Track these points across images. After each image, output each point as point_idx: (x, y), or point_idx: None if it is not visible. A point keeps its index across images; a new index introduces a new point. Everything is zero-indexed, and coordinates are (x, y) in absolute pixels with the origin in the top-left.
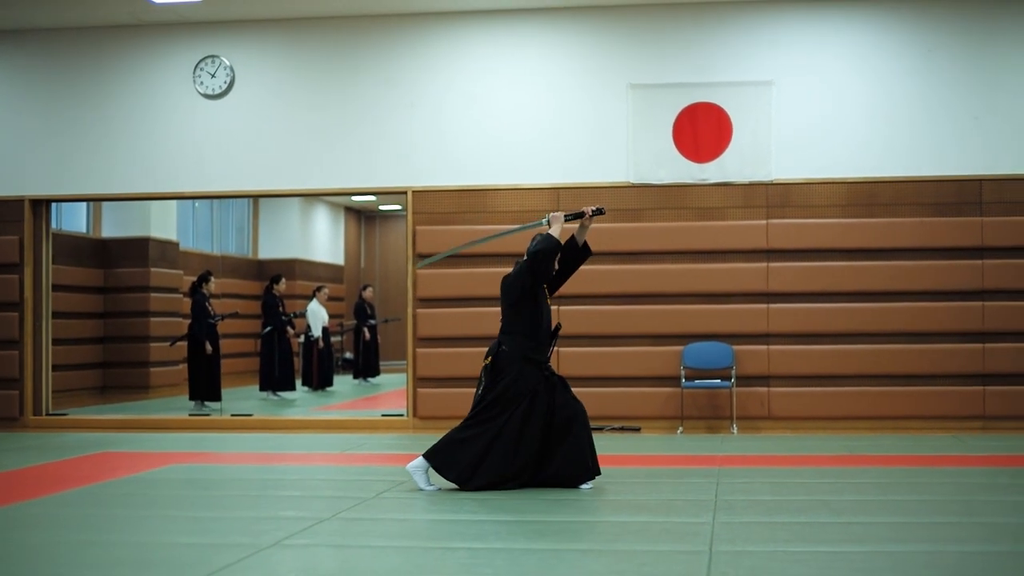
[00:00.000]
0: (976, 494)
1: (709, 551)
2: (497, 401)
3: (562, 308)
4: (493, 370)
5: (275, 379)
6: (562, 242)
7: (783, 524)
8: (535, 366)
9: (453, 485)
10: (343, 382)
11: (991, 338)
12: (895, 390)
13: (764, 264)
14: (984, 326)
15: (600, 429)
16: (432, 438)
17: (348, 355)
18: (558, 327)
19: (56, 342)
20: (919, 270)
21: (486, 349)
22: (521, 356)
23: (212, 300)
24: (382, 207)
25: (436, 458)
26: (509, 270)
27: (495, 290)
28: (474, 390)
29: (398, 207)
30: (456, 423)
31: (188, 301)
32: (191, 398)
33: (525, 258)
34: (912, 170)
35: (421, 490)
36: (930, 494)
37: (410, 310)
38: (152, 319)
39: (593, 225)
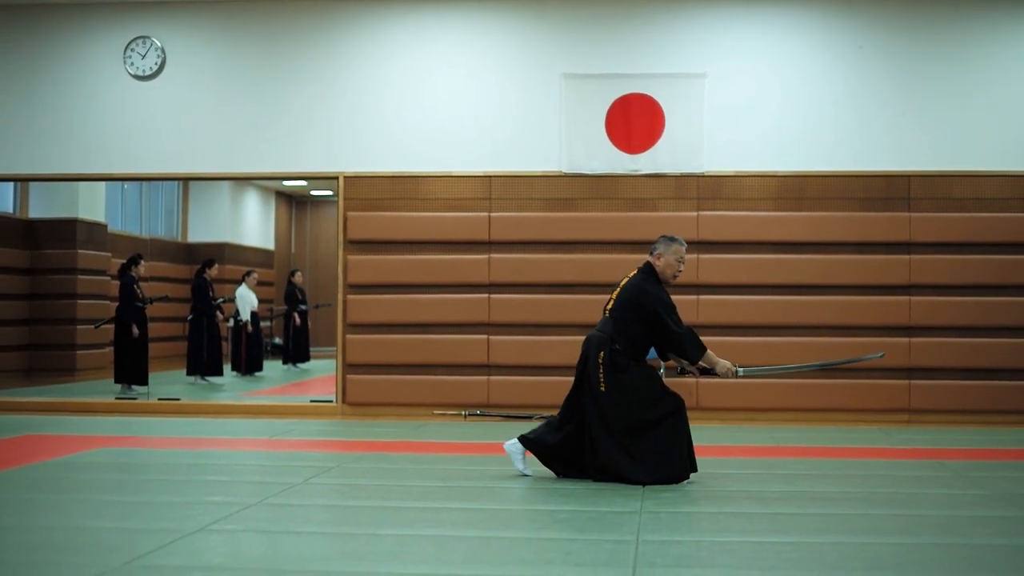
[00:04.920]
0: (900, 486)
1: (636, 540)
2: (659, 393)
3: (493, 297)
4: (612, 366)
5: (203, 363)
6: (695, 361)
7: (710, 514)
8: (642, 362)
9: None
10: (273, 367)
11: (917, 332)
12: (822, 382)
13: (695, 256)
14: (911, 320)
15: (529, 417)
16: (360, 424)
17: (277, 340)
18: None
19: None
20: (847, 264)
21: (417, 337)
22: (635, 356)
23: (140, 283)
24: (313, 192)
25: (684, 469)
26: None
27: (425, 277)
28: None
29: (329, 192)
30: (385, 409)
31: (116, 283)
32: (117, 381)
33: (674, 320)
34: (842, 165)
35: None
36: (856, 486)
37: (340, 296)
38: (79, 301)
39: (526, 213)
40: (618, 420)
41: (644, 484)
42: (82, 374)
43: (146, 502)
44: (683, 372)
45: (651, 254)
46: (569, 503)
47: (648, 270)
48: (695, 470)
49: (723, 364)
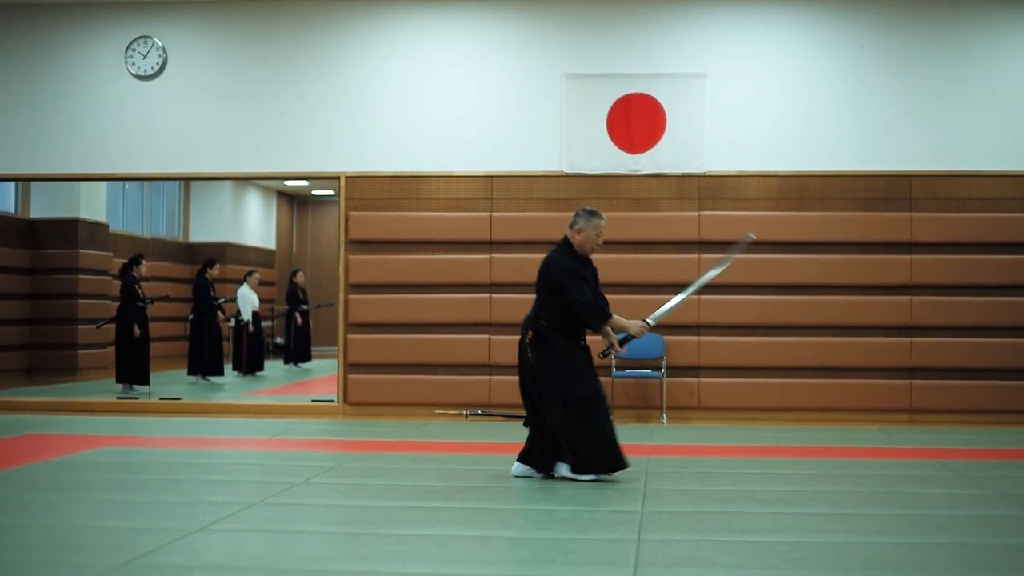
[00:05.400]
0: (901, 486)
1: (637, 539)
2: (576, 380)
3: (494, 296)
4: (537, 345)
5: (204, 363)
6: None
7: (711, 514)
8: (576, 340)
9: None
10: (274, 367)
11: (918, 332)
12: (824, 382)
13: (695, 255)
14: (912, 320)
15: None
16: (362, 424)
17: (279, 340)
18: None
19: None
20: (848, 264)
21: (418, 337)
22: (562, 331)
23: (142, 283)
24: (315, 192)
25: (610, 464)
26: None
27: (427, 277)
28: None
29: (331, 192)
30: (386, 409)
31: (117, 283)
32: (118, 381)
33: (575, 288)
34: (843, 165)
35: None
36: (857, 485)
37: (342, 296)
38: (80, 301)
39: (527, 213)
40: (552, 396)
41: (572, 468)
42: (83, 374)
43: (147, 501)
44: (606, 354)
45: (571, 228)
46: (570, 503)
47: (564, 244)
48: (625, 466)
49: (634, 325)
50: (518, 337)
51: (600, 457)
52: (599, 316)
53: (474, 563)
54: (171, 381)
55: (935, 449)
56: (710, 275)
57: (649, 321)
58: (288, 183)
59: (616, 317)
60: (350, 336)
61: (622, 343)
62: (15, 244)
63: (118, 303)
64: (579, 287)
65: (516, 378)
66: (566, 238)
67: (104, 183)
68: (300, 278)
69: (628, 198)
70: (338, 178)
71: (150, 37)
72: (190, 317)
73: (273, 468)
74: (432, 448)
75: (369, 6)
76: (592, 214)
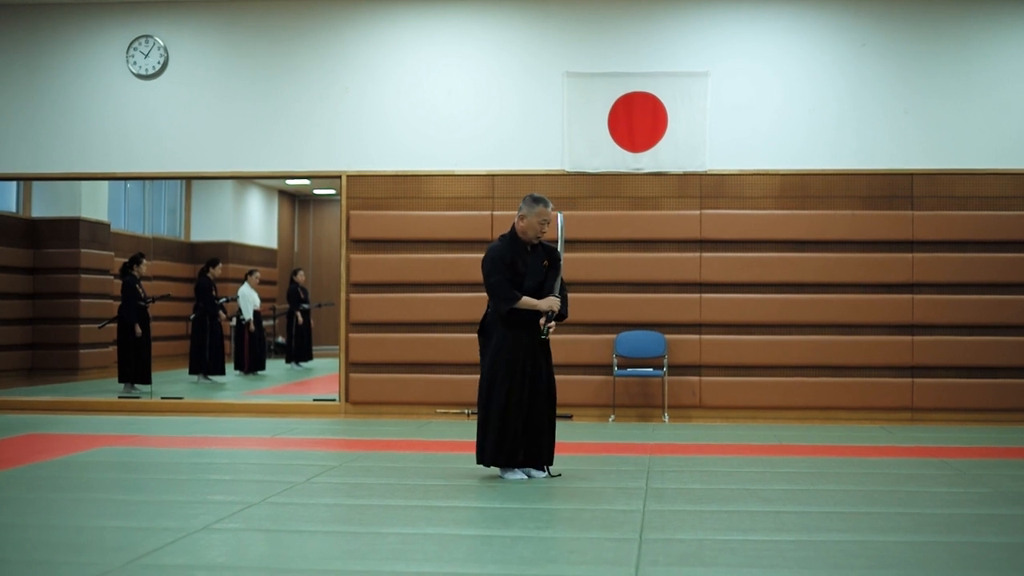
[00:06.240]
0: (903, 484)
1: (639, 539)
2: (493, 377)
3: None
4: (481, 331)
5: (206, 362)
6: (517, 304)
7: (713, 512)
8: (516, 330)
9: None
10: (276, 366)
11: (920, 331)
12: (825, 380)
13: (697, 254)
14: (913, 319)
15: None
16: (363, 423)
17: (280, 339)
18: (554, 315)
19: None
20: (850, 262)
21: (420, 336)
22: (502, 320)
23: (143, 282)
24: (316, 191)
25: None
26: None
27: (428, 276)
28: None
29: (332, 191)
30: (388, 408)
31: (119, 283)
32: (120, 380)
33: (488, 271)
34: (844, 163)
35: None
36: (858, 484)
37: (343, 295)
38: (82, 300)
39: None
40: (480, 383)
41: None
42: (85, 373)
43: (149, 501)
44: (544, 336)
45: (517, 214)
46: (572, 502)
47: (508, 232)
48: (505, 465)
49: (544, 301)
50: None
51: (483, 447)
52: (508, 299)
53: (476, 562)
54: (173, 380)
55: (937, 447)
56: (561, 247)
57: (556, 295)
58: (289, 182)
59: (527, 298)
60: (351, 335)
61: (546, 320)
62: (17, 244)
63: (119, 302)
64: (493, 271)
65: None
66: (512, 225)
67: (105, 182)
68: (301, 277)
69: (630, 196)
70: (339, 177)
71: (151, 36)
72: (192, 316)
73: (275, 467)
74: (434, 447)
75: (370, 5)
76: (537, 201)
